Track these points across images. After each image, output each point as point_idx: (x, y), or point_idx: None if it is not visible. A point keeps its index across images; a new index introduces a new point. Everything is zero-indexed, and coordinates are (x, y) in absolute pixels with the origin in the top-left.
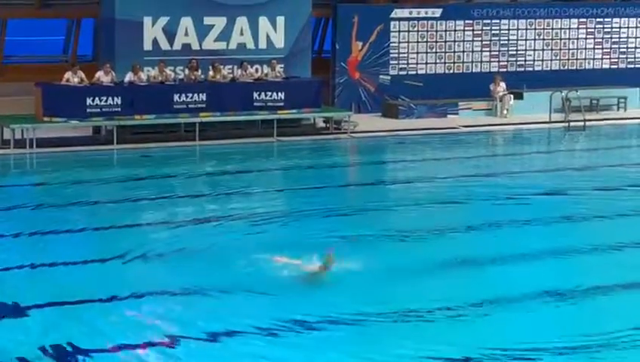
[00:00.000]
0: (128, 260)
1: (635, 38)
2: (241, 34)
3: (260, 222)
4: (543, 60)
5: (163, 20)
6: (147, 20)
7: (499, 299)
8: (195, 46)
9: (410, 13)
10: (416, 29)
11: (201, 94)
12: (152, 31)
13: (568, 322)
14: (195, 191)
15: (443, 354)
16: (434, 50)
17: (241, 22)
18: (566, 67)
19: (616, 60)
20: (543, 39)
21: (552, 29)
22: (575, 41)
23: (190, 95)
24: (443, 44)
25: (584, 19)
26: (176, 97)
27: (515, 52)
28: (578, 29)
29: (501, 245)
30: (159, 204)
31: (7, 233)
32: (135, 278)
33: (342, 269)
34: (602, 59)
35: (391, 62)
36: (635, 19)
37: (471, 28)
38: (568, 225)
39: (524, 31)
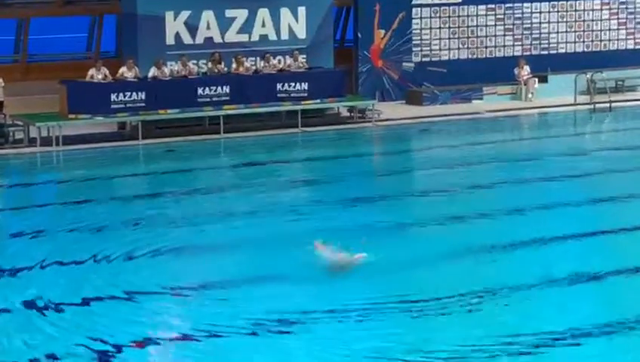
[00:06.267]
0: (160, 254)
1: None
2: (263, 25)
3: (291, 212)
4: (566, 42)
5: (184, 14)
6: (169, 15)
7: (537, 282)
8: (218, 39)
9: None
10: (438, 15)
11: (224, 87)
12: (174, 25)
13: (605, 304)
14: (222, 184)
15: (482, 339)
16: (457, 35)
17: (263, 13)
18: (590, 49)
19: None
20: (566, 21)
21: (575, 10)
22: (599, 22)
23: (214, 88)
24: (466, 29)
25: (607, 0)
26: (200, 91)
27: (538, 35)
28: (601, 9)
29: (532, 229)
30: (187, 198)
31: (35, 230)
32: (165, 272)
33: (374, 257)
34: (626, 39)
35: (414, 49)
36: None
37: (493, 12)
38: (599, 207)
39: (547, 13)
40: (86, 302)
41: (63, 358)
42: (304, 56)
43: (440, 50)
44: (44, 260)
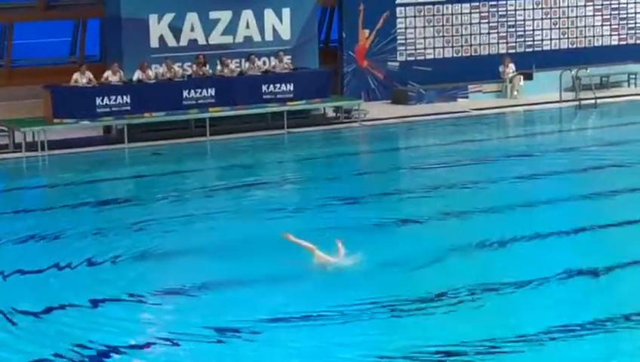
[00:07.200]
0: (146, 257)
1: None
2: (247, 27)
3: (278, 213)
4: (551, 39)
5: (168, 17)
6: (153, 18)
7: (526, 279)
8: (202, 41)
9: None
10: (422, 13)
11: (210, 89)
12: (158, 28)
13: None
14: (208, 186)
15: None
16: (441, 34)
17: (247, 15)
18: (575, 45)
19: (624, 36)
20: (551, 18)
21: (559, 7)
22: (583, 18)
23: (199, 91)
24: (450, 27)
25: None
26: (185, 93)
27: (522, 32)
28: (585, 6)
29: (522, 226)
30: (174, 200)
31: (22, 235)
32: (156, 275)
33: (361, 257)
34: (611, 35)
35: (398, 48)
36: None
37: (477, 10)
38: (586, 203)
39: (531, 11)
40: (74, 305)
41: None
42: (289, 57)
43: (425, 49)
44: (37, 266)
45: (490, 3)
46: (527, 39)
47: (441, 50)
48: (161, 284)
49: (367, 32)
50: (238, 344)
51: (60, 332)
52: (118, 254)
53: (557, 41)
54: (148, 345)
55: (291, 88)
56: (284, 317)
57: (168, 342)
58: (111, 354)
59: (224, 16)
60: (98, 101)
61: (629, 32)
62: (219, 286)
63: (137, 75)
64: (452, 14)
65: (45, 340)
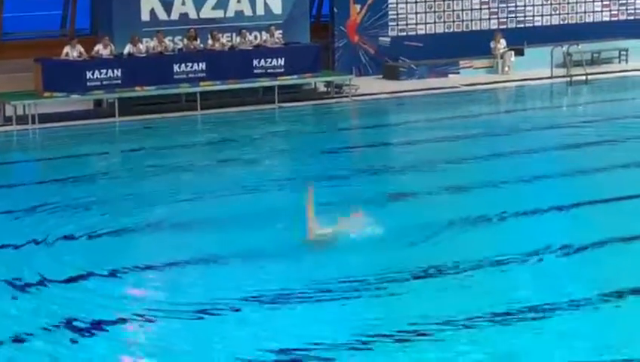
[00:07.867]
0: (139, 231)
1: None
2: (239, 1)
3: (266, 187)
4: (542, 15)
5: None
6: None
7: (512, 256)
8: (193, 15)
9: None
10: None
11: (200, 63)
12: (149, 1)
13: (581, 276)
14: (199, 159)
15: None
16: (433, 9)
17: None
18: (566, 21)
19: (616, 12)
20: None
21: None
22: None
23: (190, 65)
24: (442, 3)
25: None
26: (176, 67)
27: (514, 8)
28: None
29: (510, 202)
30: (165, 174)
31: (13, 209)
32: (146, 249)
33: (356, 231)
34: (602, 11)
35: (390, 23)
36: None
37: None
38: (576, 180)
39: None
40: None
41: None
42: (280, 31)
43: (416, 24)
44: (26, 239)
45: None
46: (518, 15)
47: (433, 25)
48: (141, 260)
49: (358, 6)
50: (214, 322)
51: (38, 308)
52: (96, 229)
53: (548, 17)
54: (120, 321)
55: (282, 63)
56: (261, 296)
57: (142, 320)
58: (84, 331)
59: None
60: (89, 75)
61: (620, 7)
62: (200, 262)
63: (128, 48)
64: None
65: (24, 317)
